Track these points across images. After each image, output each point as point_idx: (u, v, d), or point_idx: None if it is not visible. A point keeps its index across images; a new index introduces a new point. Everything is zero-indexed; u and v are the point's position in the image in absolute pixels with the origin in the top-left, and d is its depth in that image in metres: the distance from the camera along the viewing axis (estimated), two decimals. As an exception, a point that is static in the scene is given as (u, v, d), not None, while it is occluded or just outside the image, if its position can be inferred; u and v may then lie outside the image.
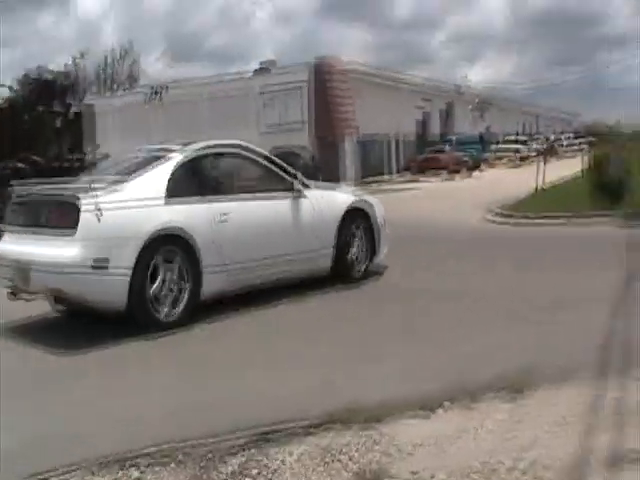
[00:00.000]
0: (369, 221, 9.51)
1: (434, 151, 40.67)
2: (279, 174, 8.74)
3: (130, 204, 7.15)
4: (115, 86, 69.81)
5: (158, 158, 7.92)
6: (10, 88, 40.40)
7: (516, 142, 54.02)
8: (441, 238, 13.13)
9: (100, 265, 6.78)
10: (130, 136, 39.68)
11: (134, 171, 7.66)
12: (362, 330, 6.88)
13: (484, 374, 5.03)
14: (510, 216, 15.83)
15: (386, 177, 38.27)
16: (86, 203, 6.83)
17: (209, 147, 8.31)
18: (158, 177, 7.56)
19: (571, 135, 73.16)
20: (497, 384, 4.79)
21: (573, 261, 10.00)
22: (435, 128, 51.34)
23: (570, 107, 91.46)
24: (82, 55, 73.14)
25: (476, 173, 40.25)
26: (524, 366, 5.10)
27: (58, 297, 7.13)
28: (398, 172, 40.72)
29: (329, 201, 9.17)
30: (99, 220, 6.84)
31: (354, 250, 9.24)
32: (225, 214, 7.77)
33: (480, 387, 4.77)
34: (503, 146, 52.41)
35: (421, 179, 36.28)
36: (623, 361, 5.12)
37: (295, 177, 8.78)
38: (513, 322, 6.77)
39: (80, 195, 6.92)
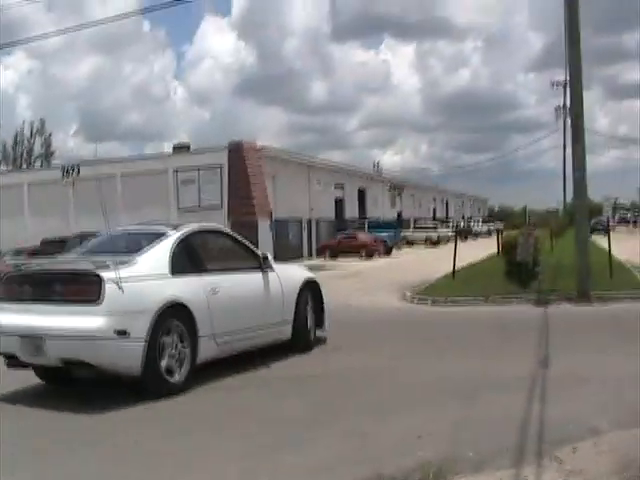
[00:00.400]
0: (319, 294, 10.47)
1: (348, 235, 40.99)
2: (252, 252, 9.67)
3: (144, 278, 7.73)
4: (28, 162, 69.00)
5: (156, 237, 8.51)
6: None
7: (427, 228, 55.20)
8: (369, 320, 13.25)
9: (121, 334, 7.23)
10: (44, 214, 39.19)
11: (138, 249, 8.19)
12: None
13: (401, 462, 4.96)
14: (428, 295, 16.08)
15: (305, 260, 38.41)
16: (108, 277, 7.30)
17: (196, 229, 9.08)
18: (162, 254, 8.18)
19: (480, 219, 75.54)
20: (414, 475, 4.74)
21: (490, 342, 10.20)
22: (351, 211, 52.17)
23: (480, 191, 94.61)
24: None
25: (395, 252, 41.06)
26: (441, 454, 5.02)
27: (67, 366, 7.52)
28: (317, 254, 40.94)
29: (290, 275, 10.22)
30: (122, 292, 7.33)
31: (309, 320, 10.12)
32: (215, 287, 8.41)
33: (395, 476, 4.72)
34: (414, 234, 53.36)
35: (340, 259, 36.62)
36: (539, 447, 5.12)
37: (264, 255, 9.67)
38: (429, 407, 6.75)
39: (102, 269, 7.41)
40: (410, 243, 50.27)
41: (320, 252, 40.52)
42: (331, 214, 48.29)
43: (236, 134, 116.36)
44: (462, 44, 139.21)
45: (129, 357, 7.33)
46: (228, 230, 10.02)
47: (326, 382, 8.14)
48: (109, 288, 7.25)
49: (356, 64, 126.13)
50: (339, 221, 48.27)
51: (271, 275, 9.59)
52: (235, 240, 9.67)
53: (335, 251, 39.13)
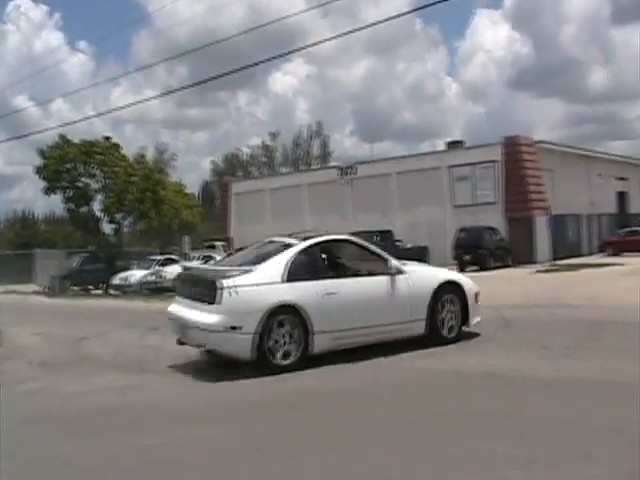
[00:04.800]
0: (462, 293, 11.18)
1: (633, 230, 38.45)
2: (380, 257, 10.87)
3: (257, 285, 9.59)
4: (307, 164, 72.28)
5: (284, 248, 10.33)
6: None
7: None
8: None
9: (234, 329, 9.29)
10: (323, 213, 40.83)
11: (263, 259, 10.08)
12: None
13: None
14: None
15: (585, 257, 36.82)
16: (225, 284, 9.38)
17: (322, 240, 10.72)
18: (278, 264, 9.89)
19: None
20: None
21: None
22: (636, 205, 49.18)
23: None
24: (275, 135, 76.71)
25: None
26: None
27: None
28: (598, 250, 38.96)
29: (423, 277, 11.09)
30: (236, 296, 9.37)
31: (446, 318, 10.99)
32: (331, 290, 9.95)
33: None
34: None
35: (624, 257, 34.41)
36: None
37: (390, 261, 10.78)
38: None
39: (222, 278, 9.47)
40: None
41: (601, 248, 38.58)
42: (613, 209, 45.82)
43: (511, 128, 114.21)
44: None
45: (241, 345, 9.32)
46: (356, 239, 11.48)
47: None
48: (225, 293, 9.33)
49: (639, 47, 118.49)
50: (622, 216, 45.68)
51: (399, 278, 10.65)
52: (362, 247, 11.12)
53: (618, 248, 36.96)
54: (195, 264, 20.93)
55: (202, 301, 9.63)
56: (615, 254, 36.11)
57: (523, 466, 5.10)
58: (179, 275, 11.56)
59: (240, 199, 48.00)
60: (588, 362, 8.95)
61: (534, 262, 33.18)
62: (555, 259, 33.08)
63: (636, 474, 4.83)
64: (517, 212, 35.92)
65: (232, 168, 76.73)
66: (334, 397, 8.10)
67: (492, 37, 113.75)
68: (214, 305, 9.35)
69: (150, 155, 57.87)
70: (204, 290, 9.64)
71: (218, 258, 32.08)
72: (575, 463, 5.17)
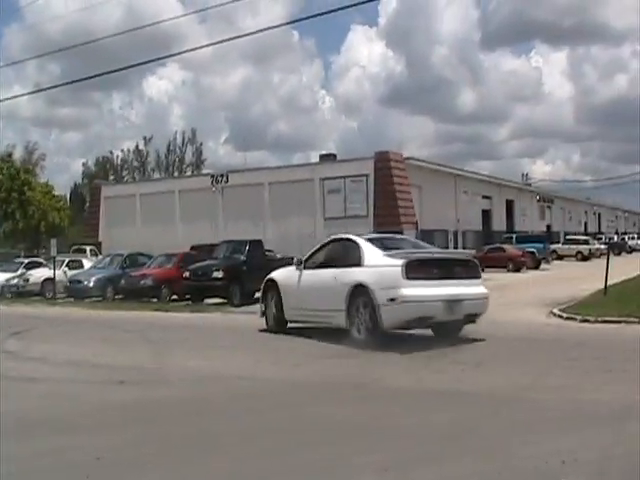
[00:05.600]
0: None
1: (495, 247, 39.95)
2: None
3: None
4: (181, 171, 71.51)
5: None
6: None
7: (577, 242, 53.36)
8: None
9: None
10: (194, 220, 40.43)
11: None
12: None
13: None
14: (578, 312, 15.32)
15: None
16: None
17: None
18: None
19: (636, 234, 72.37)
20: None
21: None
22: (499, 222, 51.08)
23: (636, 205, 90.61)
24: (148, 140, 75.57)
25: (543, 266, 39.93)
26: None
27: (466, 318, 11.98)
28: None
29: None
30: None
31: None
32: None
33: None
34: (565, 246, 52.06)
35: (486, 272, 35.59)
36: None
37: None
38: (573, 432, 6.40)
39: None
40: (560, 257, 48.75)
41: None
42: (478, 226, 47.47)
43: (383, 144, 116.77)
44: (619, 49, 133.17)
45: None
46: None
47: (469, 398, 7.84)
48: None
49: (506, 72, 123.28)
50: (486, 233, 47.39)
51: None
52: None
53: (482, 263, 38.15)
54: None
55: (466, 278, 12.04)
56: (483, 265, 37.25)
57: (377, 473, 5.21)
58: (413, 261, 11.52)
59: (110, 203, 46.90)
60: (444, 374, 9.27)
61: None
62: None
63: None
64: (386, 226, 36.45)
65: (104, 171, 75.11)
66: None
67: (367, 53, 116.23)
68: (479, 279, 12.35)
69: (18, 154, 56.02)
70: (468, 268, 12.38)
71: (87, 263, 31.27)
72: (424, 468, 5.34)
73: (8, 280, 30.46)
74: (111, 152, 77.88)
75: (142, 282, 24.63)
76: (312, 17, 18.31)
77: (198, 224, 39.31)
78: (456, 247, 41.90)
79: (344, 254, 12.77)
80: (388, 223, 36.44)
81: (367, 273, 11.70)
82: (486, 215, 49.72)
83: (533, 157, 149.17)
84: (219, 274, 22.24)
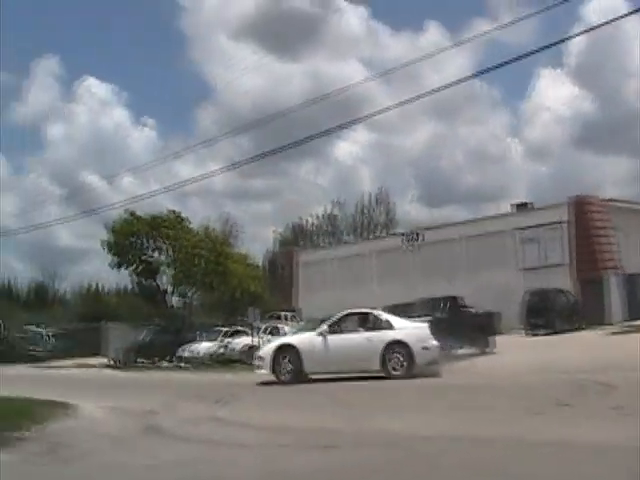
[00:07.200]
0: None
1: None
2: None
3: None
4: (372, 232, 72.22)
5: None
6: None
7: None
8: None
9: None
10: (388, 280, 40.56)
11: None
12: None
13: None
14: None
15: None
16: None
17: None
18: None
19: None
20: None
21: None
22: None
23: None
24: (339, 203, 77.00)
25: None
26: None
27: None
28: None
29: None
30: None
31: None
32: None
33: None
34: None
35: None
36: None
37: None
38: None
39: None
40: None
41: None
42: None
43: (577, 187, 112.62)
44: None
45: None
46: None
47: None
48: None
49: None
50: None
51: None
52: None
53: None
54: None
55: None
56: None
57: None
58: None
59: (306, 269, 47.98)
60: None
61: (607, 324, 32.17)
62: (631, 319, 32.02)
63: None
64: (587, 273, 35.11)
65: (296, 237, 77.05)
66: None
67: (554, 95, 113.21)
68: None
69: (215, 226, 58.65)
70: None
71: (286, 329, 32.03)
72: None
73: (209, 348, 31.71)
74: (300, 217, 79.83)
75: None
76: (496, 68, 18.01)
77: (392, 283, 39.34)
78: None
79: (365, 322, 17.93)
80: (588, 269, 35.00)
81: (402, 333, 16.96)
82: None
83: None
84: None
